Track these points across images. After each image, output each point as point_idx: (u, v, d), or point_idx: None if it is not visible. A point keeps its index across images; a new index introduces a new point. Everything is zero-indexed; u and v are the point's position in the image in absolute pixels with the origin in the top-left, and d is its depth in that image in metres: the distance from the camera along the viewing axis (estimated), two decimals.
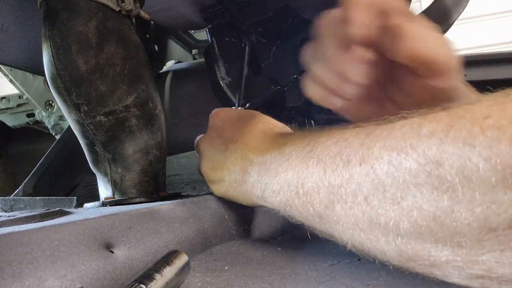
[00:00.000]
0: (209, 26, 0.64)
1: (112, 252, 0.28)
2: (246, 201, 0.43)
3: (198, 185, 0.96)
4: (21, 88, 1.15)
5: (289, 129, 0.42)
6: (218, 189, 0.46)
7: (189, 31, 0.94)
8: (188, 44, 0.97)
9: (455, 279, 0.23)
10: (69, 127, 0.86)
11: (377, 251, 0.27)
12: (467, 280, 0.22)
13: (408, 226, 0.23)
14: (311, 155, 0.32)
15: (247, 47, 0.64)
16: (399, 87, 0.38)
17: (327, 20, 0.37)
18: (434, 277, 0.24)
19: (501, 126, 0.19)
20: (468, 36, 3.55)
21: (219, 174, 0.44)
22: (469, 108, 0.22)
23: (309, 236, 0.33)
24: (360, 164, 0.26)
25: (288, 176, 0.34)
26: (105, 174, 0.49)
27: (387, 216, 0.24)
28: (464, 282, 0.22)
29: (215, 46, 0.65)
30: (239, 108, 0.63)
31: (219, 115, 0.47)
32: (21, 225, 0.30)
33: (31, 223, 0.32)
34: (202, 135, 0.50)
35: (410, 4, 0.70)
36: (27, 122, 1.29)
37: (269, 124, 0.43)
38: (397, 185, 0.23)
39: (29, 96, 1.17)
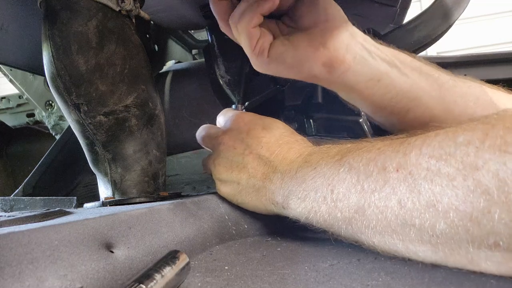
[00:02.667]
0: (209, 24, 0.64)
1: (112, 252, 0.28)
2: (259, 207, 0.44)
3: (198, 185, 0.96)
4: (21, 88, 1.15)
5: (310, 142, 0.44)
6: (227, 190, 0.46)
7: (189, 31, 0.94)
8: (188, 44, 0.97)
9: (494, 272, 0.24)
10: (69, 127, 0.86)
11: (410, 252, 0.28)
12: (507, 272, 0.24)
13: (444, 226, 0.25)
14: (341, 163, 0.33)
15: None
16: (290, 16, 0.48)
17: None
18: (471, 271, 0.25)
19: None
20: (468, 36, 3.55)
21: (235, 176, 0.44)
22: (500, 118, 0.24)
23: (309, 236, 0.33)
24: (397, 170, 0.28)
25: (316, 183, 0.35)
26: (105, 174, 0.49)
27: (422, 218, 0.26)
28: (504, 274, 0.24)
29: (215, 44, 0.65)
30: (239, 108, 0.63)
31: (244, 119, 0.47)
32: (21, 225, 0.30)
33: (31, 223, 0.32)
34: (209, 126, 0.50)
35: (409, 6, 0.70)
36: (27, 122, 1.29)
37: (294, 136, 0.45)
38: (433, 188, 0.25)
39: (29, 96, 1.17)
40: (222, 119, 0.51)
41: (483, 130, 0.24)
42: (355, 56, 0.45)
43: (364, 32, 0.47)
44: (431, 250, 0.26)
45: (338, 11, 0.46)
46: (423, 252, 0.27)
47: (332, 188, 0.33)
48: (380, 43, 0.47)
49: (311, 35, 0.46)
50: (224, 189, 0.46)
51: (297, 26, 0.47)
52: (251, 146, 0.44)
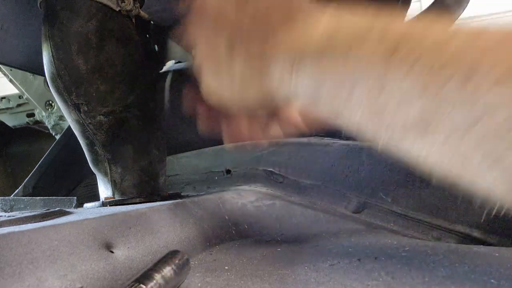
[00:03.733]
0: None
1: (112, 252, 0.28)
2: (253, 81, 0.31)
3: (198, 185, 0.96)
4: (21, 88, 1.16)
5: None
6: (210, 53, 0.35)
7: None
8: None
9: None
10: (69, 127, 0.86)
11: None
12: None
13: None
14: (392, 61, 0.22)
15: None
16: None
17: None
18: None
19: None
20: None
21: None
22: None
23: (310, 237, 0.33)
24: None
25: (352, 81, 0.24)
26: (105, 174, 0.49)
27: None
28: None
29: None
30: None
31: None
32: (21, 225, 0.30)
33: (31, 223, 0.32)
34: None
35: (409, 6, 0.70)
36: (27, 122, 1.29)
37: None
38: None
39: (29, 96, 1.17)
40: None
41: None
42: None
43: None
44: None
45: None
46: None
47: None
48: None
49: None
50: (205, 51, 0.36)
51: None
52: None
